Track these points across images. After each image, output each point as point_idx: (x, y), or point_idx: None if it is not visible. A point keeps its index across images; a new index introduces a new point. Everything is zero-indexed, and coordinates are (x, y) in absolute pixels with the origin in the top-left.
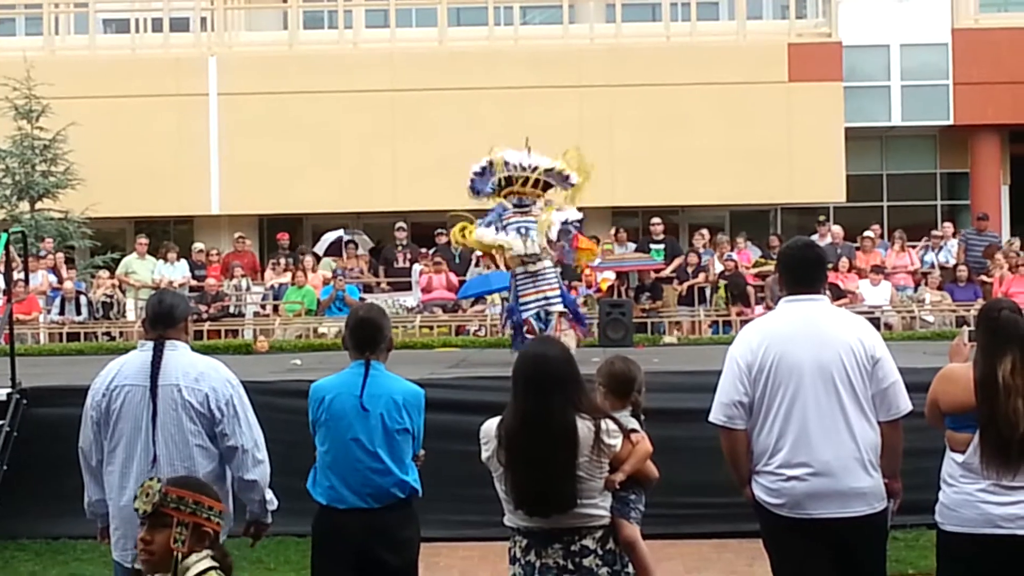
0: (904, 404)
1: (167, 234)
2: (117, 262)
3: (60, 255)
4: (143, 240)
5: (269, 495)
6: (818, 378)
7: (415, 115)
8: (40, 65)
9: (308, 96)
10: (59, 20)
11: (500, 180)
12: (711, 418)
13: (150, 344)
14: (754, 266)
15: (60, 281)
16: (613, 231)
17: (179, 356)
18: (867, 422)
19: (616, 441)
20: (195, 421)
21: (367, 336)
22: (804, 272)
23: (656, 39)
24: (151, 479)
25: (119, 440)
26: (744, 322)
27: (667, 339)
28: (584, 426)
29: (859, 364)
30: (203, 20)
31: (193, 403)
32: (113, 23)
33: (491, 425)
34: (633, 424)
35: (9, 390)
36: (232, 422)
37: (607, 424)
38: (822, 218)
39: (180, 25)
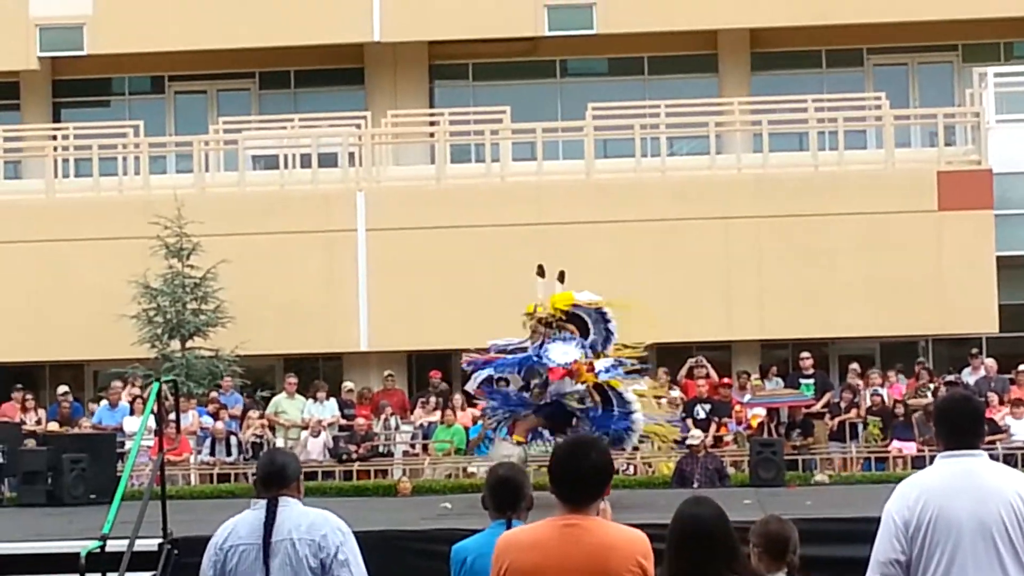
0: None
1: (316, 372)
2: (267, 400)
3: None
4: (292, 379)
5: None
6: (977, 535)
7: (563, 248)
8: (190, 202)
9: (456, 231)
10: (209, 157)
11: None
12: None
13: (262, 503)
14: (906, 398)
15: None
16: (760, 366)
17: (290, 511)
18: None
19: None
20: (308, 574)
21: (508, 497)
22: (962, 426)
23: (804, 168)
24: None
25: None
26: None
27: (818, 477)
28: None
29: (1019, 520)
30: (351, 155)
31: (308, 555)
32: (262, 159)
33: None
34: None
35: (160, 540)
36: (343, 569)
37: None
38: (975, 351)
39: (328, 160)
